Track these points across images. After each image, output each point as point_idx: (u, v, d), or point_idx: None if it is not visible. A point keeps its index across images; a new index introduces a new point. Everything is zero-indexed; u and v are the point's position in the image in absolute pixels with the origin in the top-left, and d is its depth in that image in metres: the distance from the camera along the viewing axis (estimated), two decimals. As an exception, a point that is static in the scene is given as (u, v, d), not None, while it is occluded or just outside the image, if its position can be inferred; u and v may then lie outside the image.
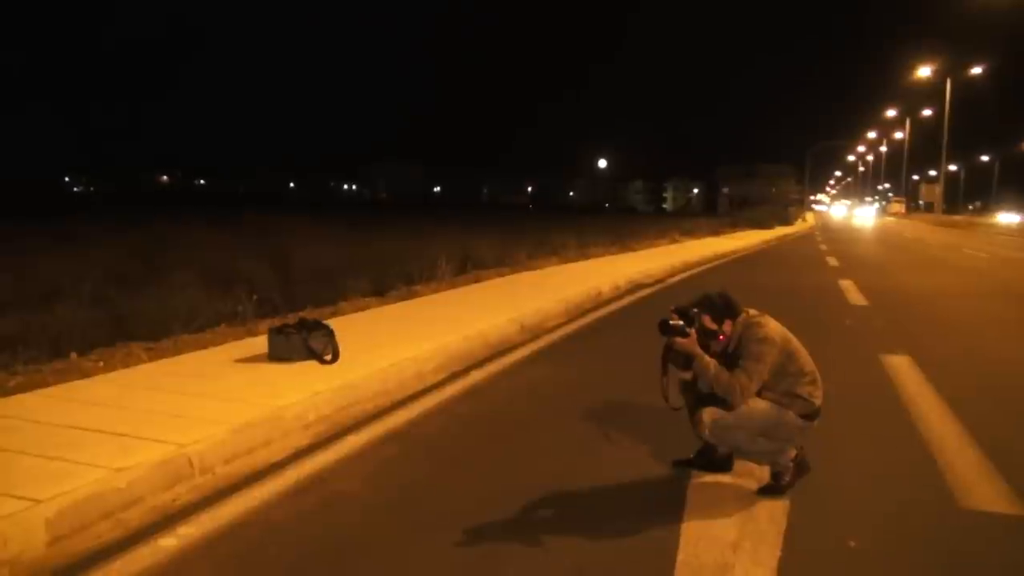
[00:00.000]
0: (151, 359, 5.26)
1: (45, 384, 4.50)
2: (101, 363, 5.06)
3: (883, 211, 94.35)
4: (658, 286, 12.00)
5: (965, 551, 2.93)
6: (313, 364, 5.08)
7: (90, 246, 10.09)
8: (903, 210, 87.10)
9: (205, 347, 5.71)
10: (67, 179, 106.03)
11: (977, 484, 3.58)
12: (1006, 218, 51.17)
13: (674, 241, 22.68)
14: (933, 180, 79.13)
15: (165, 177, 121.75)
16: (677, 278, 13.43)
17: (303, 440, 4.02)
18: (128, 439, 3.55)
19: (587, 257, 15.56)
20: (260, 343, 5.52)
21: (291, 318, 6.05)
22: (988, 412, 4.88)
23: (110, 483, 3.08)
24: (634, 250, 18.46)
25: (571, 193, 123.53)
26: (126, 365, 5.08)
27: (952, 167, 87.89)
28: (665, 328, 3.37)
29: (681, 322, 3.36)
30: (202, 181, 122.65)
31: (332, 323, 5.72)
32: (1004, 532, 3.10)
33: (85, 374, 4.79)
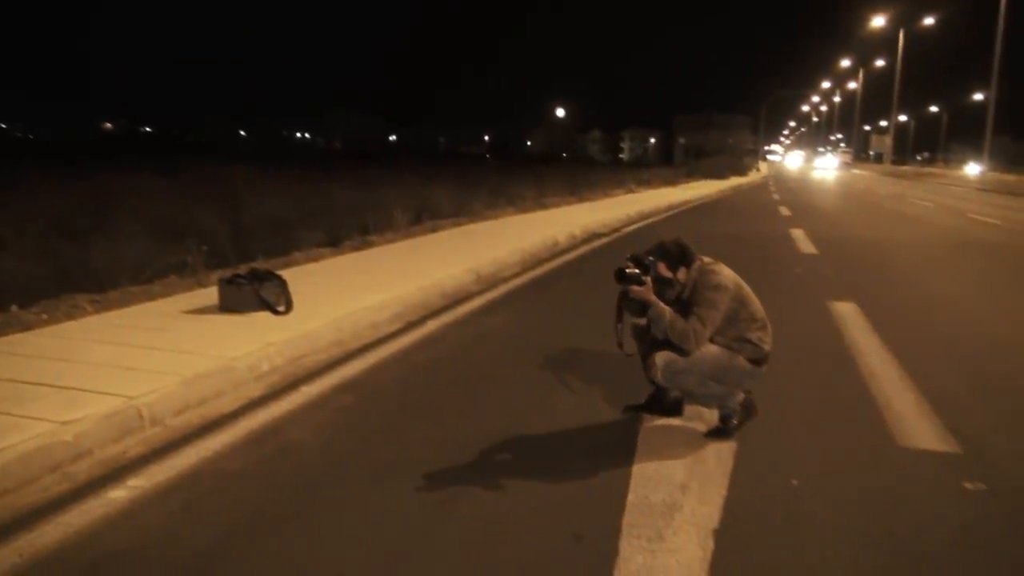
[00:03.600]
0: (97, 311, 5.14)
1: (-15, 338, 4.37)
2: (44, 316, 4.92)
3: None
4: (614, 235, 12.07)
5: (902, 487, 3.06)
6: (265, 315, 5.02)
7: (32, 195, 9.71)
8: (849, 159, 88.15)
9: (153, 299, 5.60)
10: (3, 126, 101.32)
11: (914, 423, 3.73)
12: (973, 169, 51.65)
13: (630, 191, 22.78)
14: (884, 131, 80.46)
15: (109, 125, 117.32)
16: (633, 227, 13.52)
17: (256, 391, 3.99)
18: (74, 392, 3.47)
19: (544, 207, 15.56)
20: (210, 294, 5.43)
21: (242, 269, 5.94)
22: (927, 355, 5.06)
23: (56, 436, 3.02)
24: (591, 200, 18.49)
25: (528, 143, 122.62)
26: (71, 318, 4.94)
27: (902, 118, 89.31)
28: (621, 276, 3.39)
29: (637, 270, 3.39)
30: (148, 129, 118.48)
31: (285, 274, 5.64)
32: (937, 468, 3.24)
33: (27, 327, 4.65)
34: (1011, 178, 40.60)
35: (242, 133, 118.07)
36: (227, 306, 5.13)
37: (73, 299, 5.32)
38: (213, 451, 3.26)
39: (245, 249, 7.60)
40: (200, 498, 2.86)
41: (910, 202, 23.89)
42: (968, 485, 3.05)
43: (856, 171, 69.08)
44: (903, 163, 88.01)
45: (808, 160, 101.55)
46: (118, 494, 2.84)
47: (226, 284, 5.19)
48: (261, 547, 2.51)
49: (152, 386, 3.58)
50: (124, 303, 5.39)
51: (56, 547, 2.47)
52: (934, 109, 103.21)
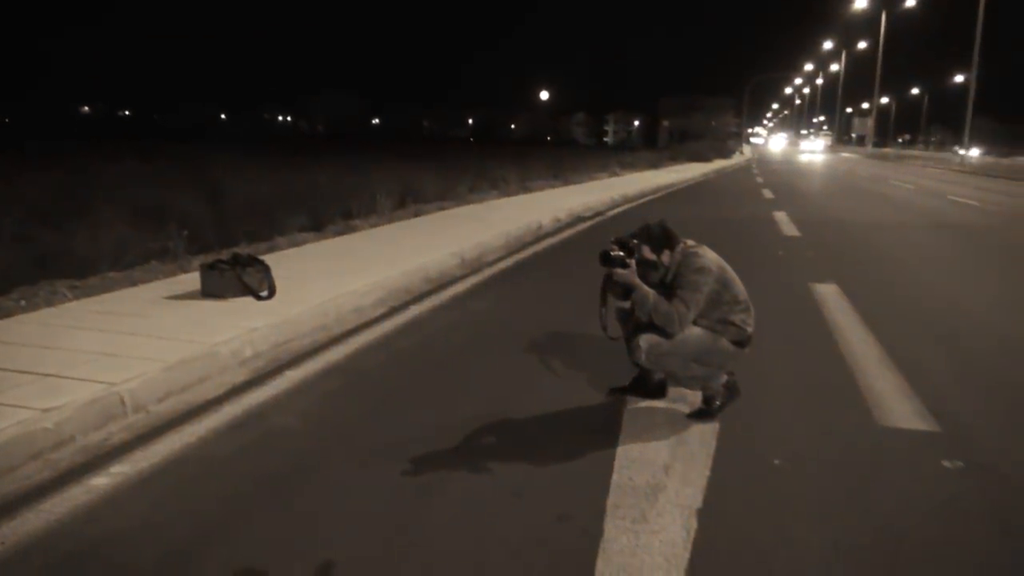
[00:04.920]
0: (77, 298, 5.08)
1: (-37, 325, 4.31)
2: (23, 302, 4.86)
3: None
4: (598, 219, 12.09)
5: (881, 465, 3.11)
6: (248, 300, 4.99)
7: (9, 180, 9.55)
8: (829, 143, 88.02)
9: (134, 285, 5.55)
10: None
11: (894, 403, 3.77)
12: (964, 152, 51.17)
13: (614, 174, 22.81)
14: (866, 113, 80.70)
15: (86, 108, 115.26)
16: (617, 211, 13.54)
17: (240, 376, 3.97)
18: (55, 379, 3.44)
19: (528, 191, 15.53)
20: (192, 280, 5.39)
21: (224, 254, 5.89)
22: (907, 335, 5.12)
23: (37, 424, 2.99)
24: (575, 183, 18.50)
25: (512, 126, 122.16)
26: (50, 304, 4.89)
27: (884, 99, 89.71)
28: (605, 259, 3.39)
29: (621, 253, 3.39)
30: (127, 112, 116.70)
31: (268, 259, 5.61)
32: (917, 447, 3.29)
33: (7, 314, 4.60)
34: (990, 160, 40.94)
35: (222, 117, 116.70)
36: (209, 292, 5.09)
37: (52, 285, 5.26)
38: (197, 437, 3.24)
39: (227, 234, 7.55)
40: (184, 484, 2.85)
41: (892, 184, 24.06)
42: (946, 463, 3.10)
43: (845, 154, 68.10)
44: (884, 145, 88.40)
45: (792, 143, 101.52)
46: (101, 481, 2.82)
47: (208, 269, 5.14)
48: (246, 533, 2.51)
49: (134, 372, 3.55)
50: (104, 289, 5.34)
51: (38, 535, 2.46)
52: (915, 91, 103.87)
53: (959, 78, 64.66)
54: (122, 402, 3.36)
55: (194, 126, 70.14)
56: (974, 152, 46.18)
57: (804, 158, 57.14)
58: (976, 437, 3.41)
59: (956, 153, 46.18)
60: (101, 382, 3.41)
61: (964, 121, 41.12)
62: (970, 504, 2.80)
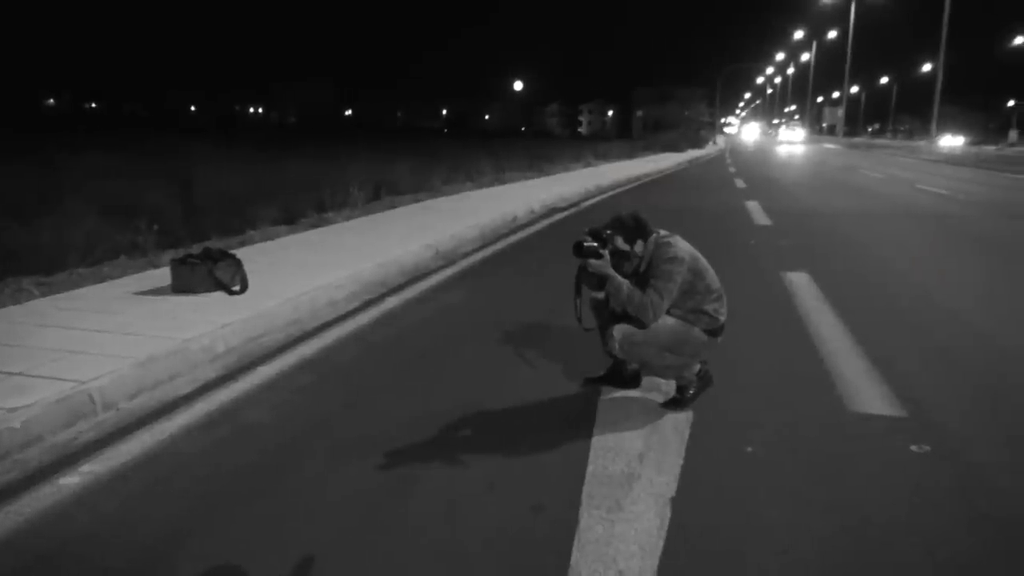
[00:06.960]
0: (44, 295, 5.00)
1: (-75, 323, 4.22)
2: (-12, 300, 4.77)
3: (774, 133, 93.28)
4: (572, 210, 12.11)
5: (851, 451, 3.16)
6: (220, 295, 4.94)
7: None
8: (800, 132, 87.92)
9: (103, 280, 5.47)
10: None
11: (863, 390, 3.83)
12: (947, 142, 50.41)
13: (589, 165, 22.88)
14: (836, 103, 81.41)
15: (51, 100, 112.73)
16: (591, 201, 13.58)
17: (212, 372, 3.93)
18: (21, 378, 3.38)
19: (503, 182, 15.54)
20: (163, 275, 5.32)
21: (195, 249, 5.83)
22: (877, 323, 5.20)
23: (3, 423, 2.94)
24: (549, 174, 18.53)
25: (487, 117, 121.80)
26: (16, 301, 4.81)
27: (854, 88, 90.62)
28: (579, 250, 3.40)
29: (595, 244, 3.40)
30: (93, 104, 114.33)
31: (240, 252, 5.57)
32: (885, 432, 3.35)
33: (-30, 312, 4.51)
34: (961, 149, 41.55)
35: (192, 108, 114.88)
36: (180, 287, 5.03)
37: (18, 282, 5.17)
38: (168, 434, 3.21)
39: (198, 228, 7.46)
40: (156, 482, 2.82)
41: (861, 173, 24.38)
42: (914, 448, 3.16)
43: (828, 144, 67.00)
44: (854, 135, 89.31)
45: (766, 132, 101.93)
46: (71, 480, 2.78)
47: (178, 264, 5.08)
48: (220, 530, 2.49)
49: (103, 369, 3.51)
50: (72, 285, 5.26)
51: (8, 536, 2.42)
52: (884, 80, 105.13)
53: (928, 67, 65.58)
54: (92, 400, 3.31)
55: (163, 117, 68.99)
56: (959, 141, 46.22)
57: (779, 148, 56.79)
58: (944, 421, 3.47)
59: (932, 142, 46.52)
60: (70, 380, 3.36)
61: (932, 110, 41.70)
62: (937, 488, 2.85)
